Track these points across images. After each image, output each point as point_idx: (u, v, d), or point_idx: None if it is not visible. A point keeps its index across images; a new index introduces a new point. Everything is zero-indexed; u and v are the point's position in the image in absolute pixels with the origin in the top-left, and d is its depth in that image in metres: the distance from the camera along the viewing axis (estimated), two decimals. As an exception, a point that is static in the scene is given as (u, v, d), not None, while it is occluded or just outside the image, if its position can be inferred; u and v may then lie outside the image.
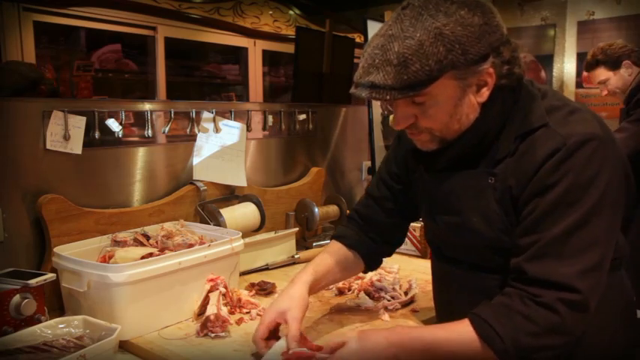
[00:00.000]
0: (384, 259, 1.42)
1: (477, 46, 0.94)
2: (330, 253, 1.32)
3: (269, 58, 4.65)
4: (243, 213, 1.92)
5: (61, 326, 1.23)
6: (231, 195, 2.00)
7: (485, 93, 1.00)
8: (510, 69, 1.00)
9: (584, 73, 3.15)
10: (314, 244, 2.16)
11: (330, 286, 1.60)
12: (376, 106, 2.37)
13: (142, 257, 1.37)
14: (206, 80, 4.54)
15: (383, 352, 1.00)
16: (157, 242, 1.50)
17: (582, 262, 0.93)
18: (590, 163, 0.94)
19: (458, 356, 0.98)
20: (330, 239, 1.38)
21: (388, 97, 0.94)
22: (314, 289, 1.26)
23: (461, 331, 0.98)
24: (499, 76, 1.00)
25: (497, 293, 1.01)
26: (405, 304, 1.50)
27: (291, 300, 1.18)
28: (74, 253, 1.40)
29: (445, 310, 1.25)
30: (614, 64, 2.92)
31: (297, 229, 2.07)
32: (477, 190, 1.04)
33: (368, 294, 1.55)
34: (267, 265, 1.86)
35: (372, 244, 1.33)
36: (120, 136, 1.71)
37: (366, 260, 1.34)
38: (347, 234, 1.35)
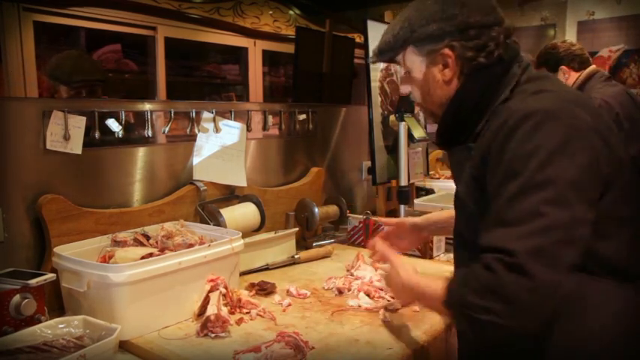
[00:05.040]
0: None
1: (425, 27, 1.13)
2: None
3: (269, 58, 4.64)
4: (243, 213, 1.92)
5: (61, 326, 1.23)
6: (231, 195, 2.00)
7: (447, 73, 1.15)
8: (476, 56, 1.11)
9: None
10: (314, 244, 2.16)
11: (331, 286, 1.64)
12: (376, 106, 2.37)
13: (142, 257, 1.37)
14: (206, 80, 4.53)
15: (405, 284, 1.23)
16: (157, 242, 1.50)
17: (522, 227, 0.95)
18: (530, 137, 0.97)
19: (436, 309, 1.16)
20: None
21: (373, 59, 1.28)
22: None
23: (439, 287, 1.07)
24: (463, 59, 1.12)
25: None
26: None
27: None
28: (74, 253, 1.41)
29: None
30: (552, 68, 2.75)
31: (297, 229, 2.07)
32: (461, 163, 1.17)
33: (368, 294, 1.55)
34: (267, 265, 1.86)
35: None
36: (120, 135, 1.71)
37: None
38: None
